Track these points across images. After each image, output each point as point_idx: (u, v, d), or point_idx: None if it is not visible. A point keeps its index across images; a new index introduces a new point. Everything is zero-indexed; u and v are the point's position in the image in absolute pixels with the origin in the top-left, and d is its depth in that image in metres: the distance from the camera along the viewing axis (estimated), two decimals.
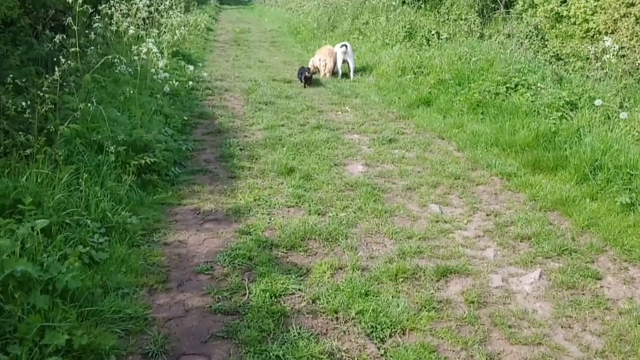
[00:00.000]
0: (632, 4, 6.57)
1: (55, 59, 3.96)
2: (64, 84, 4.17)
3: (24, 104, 3.53)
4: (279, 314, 2.53)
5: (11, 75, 3.72)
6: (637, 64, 5.95)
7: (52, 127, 3.61)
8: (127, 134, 4.04)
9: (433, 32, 9.13)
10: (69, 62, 3.91)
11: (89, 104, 4.03)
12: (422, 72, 7.41)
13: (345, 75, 8.31)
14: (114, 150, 3.71)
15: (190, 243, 3.20)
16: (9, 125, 3.53)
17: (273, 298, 2.65)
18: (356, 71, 8.29)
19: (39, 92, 3.64)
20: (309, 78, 7.63)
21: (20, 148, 3.36)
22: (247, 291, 2.71)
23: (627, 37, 6.46)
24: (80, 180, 3.23)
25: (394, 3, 11.12)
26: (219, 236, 3.29)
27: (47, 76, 3.78)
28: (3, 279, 2.09)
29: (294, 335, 2.39)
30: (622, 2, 6.67)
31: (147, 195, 3.68)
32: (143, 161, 3.77)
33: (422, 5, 10.93)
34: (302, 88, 7.52)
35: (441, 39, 8.83)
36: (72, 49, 4.34)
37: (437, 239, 3.36)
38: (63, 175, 3.20)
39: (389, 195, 3.98)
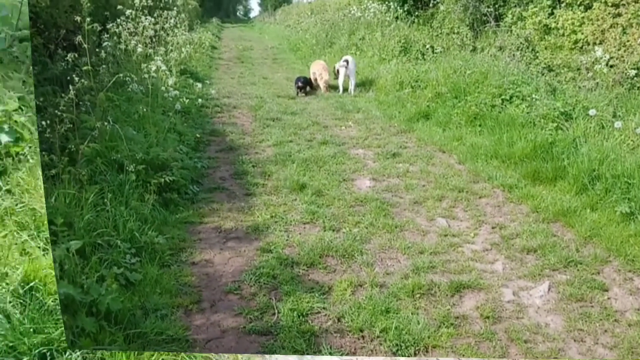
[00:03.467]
0: (619, 15, 6.62)
1: (69, 78, 4.01)
2: (80, 102, 4.22)
3: (43, 123, 3.59)
4: (309, 333, 2.60)
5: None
6: (626, 74, 5.97)
7: (72, 146, 3.65)
8: (145, 152, 4.10)
9: (427, 46, 9.22)
10: (83, 80, 3.96)
11: (106, 123, 4.10)
12: (420, 86, 7.47)
13: (346, 90, 8.48)
14: (134, 169, 3.76)
15: (216, 262, 3.28)
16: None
17: (301, 317, 2.73)
18: (356, 86, 8.45)
19: (57, 111, 3.69)
20: (300, 87, 8.19)
21: (46, 168, 3.40)
22: (276, 311, 2.79)
23: (615, 47, 6.45)
24: (105, 200, 3.30)
25: (387, 19, 11.29)
26: (241, 254, 3.38)
27: (62, 95, 3.83)
28: None
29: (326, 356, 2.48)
30: (609, 13, 6.72)
31: (170, 214, 3.74)
32: (163, 180, 3.83)
33: (415, 20, 11.12)
34: (306, 104, 7.65)
35: (436, 53, 8.95)
36: (85, 68, 4.39)
37: (447, 253, 3.43)
38: (89, 196, 3.27)
39: (398, 210, 4.06)
